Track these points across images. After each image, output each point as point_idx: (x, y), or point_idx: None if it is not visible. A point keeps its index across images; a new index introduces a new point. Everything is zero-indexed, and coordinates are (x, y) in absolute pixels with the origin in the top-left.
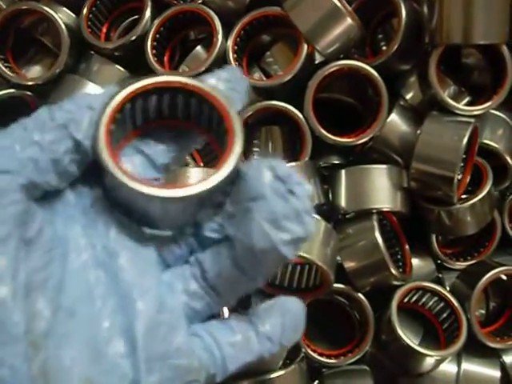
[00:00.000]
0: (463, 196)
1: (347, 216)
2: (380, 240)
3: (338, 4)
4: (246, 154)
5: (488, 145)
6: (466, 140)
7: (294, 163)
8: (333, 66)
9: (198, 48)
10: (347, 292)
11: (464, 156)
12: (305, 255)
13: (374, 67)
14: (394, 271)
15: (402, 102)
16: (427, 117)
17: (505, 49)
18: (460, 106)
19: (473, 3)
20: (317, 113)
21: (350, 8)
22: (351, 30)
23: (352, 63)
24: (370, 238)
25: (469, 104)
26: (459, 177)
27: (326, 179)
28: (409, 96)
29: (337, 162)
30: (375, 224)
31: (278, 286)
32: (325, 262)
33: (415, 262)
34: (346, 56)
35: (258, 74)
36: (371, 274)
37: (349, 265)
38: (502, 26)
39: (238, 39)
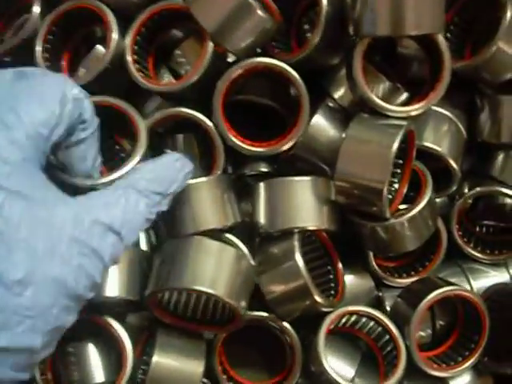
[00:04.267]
0: (402, 206)
1: (267, 236)
2: (301, 263)
3: None
4: None
5: (429, 148)
6: (395, 146)
7: (204, 178)
8: (244, 65)
9: (98, 47)
10: (271, 320)
11: (401, 161)
12: (207, 290)
13: (297, 62)
14: (318, 298)
15: (329, 103)
16: (353, 120)
17: (441, 39)
18: (390, 106)
19: None
20: (234, 118)
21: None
22: (264, 23)
23: (264, 61)
24: (290, 261)
25: (407, 101)
26: (396, 186)
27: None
28: (338, 95)
29: (265, 169)
30: (296, 245)
31: (185, 317)
32: (231, 295)
33: (352, 280)
34: (264, 52)
35: (167, 76)
36: (293, 302)
37: (268, 292)
38: (437, 14)
39: (139, 37)
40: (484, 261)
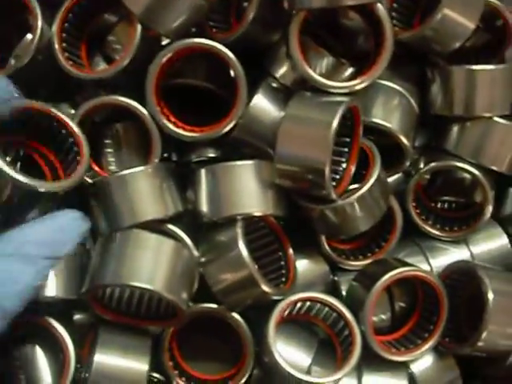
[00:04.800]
0: (354, 186)
1: (211, 224)
2: (245, 252)
3: None
4: (98, 156)
5: (378, 124)
6: (335, 123)
7: (140, 168)
8: (174, 48)
9: (28, 36)
10: (220, 311)
11: (348, 140)
12: (144, 285)
13: (235, 40)
14: (264, 288)
15: (271, 82)
16: (292, 98)
17: (381, 8)
18: (330, 82)
19: None
20: (175, 102)
21: None
22: (194, 1)
23: (194, 41)
24: (234, 249)
25: (353, 76)
26: (344, 165)
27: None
28: (279, 74)
29: (211, 155)
30: (239, 233)
31: (128, 314)
32: (170, 289)
33: (306, 265)
34: (201, 31)
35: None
36: (241, 292)
37: (214, 283)
38: None
39: (67, 24)
40: (443, 238)
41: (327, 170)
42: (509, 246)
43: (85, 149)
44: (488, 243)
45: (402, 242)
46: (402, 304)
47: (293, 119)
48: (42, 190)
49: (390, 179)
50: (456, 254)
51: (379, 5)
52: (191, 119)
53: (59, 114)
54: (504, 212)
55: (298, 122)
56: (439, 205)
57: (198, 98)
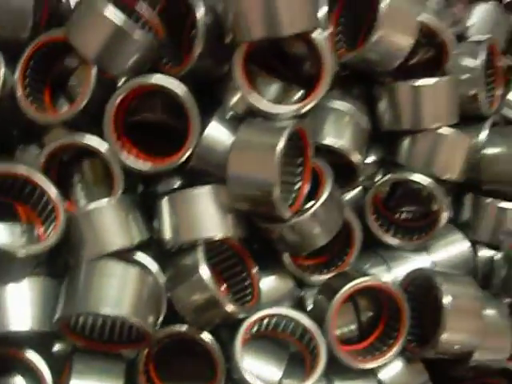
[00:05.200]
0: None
1: (175, 250)
2: (206, 276)
3: (120, 23)
4: (67, 192)
5: (327, 145)
6: (280, 146)
7: (103, 201)
8: (126, 88)
9: None
10: (189, 332)
11: (300, 160)
12: (111, 312)
13: (186, 74)
14: (228, 308)
15: (224, 111)
16: (241, 125)
17: (317, 36)
18: (274, 108)
19: None
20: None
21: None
22: (143, 45)
23: (144, 80)
24: (196, 273)
25: (303, 98)
26: (298, 185)
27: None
28: (231, 103)
29: (177, 185)
30: (200, 257)
31: (101, 340)
32: (136, 314)
33: (272, 282)
34: (155, 68)
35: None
36: (207, 313)
37: (181, 306)
38: (309, 11)
39: (30, 71)
40: (404, 247)
41: (276, 191)
42: (469, 250)
43: (61, 214)
44: (448, 249)
45: (366, 253)
46: (369, 313)
47: (241, 145)
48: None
49: (352, 194)
50: (417, 262)
51: (316, 33)
52: (155, 149)
53: (37, 177)
54: (463, 218)
55: (247, 147)
56: (399, 215)
57: (160, 130)
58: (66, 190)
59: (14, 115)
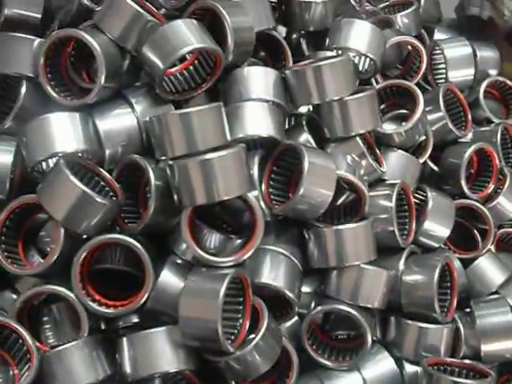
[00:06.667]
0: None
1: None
2: None
3: (84, 189)
4: (37, 332)
5: (265, 284)
6: (222, 293)
7: (72, 343)
8: (90, 244)
9: None
10: None
11: (241, 299)
12: None
13: (143, 229)
14: None
15: (175, 258)
16: (190, 273)
17: (250, 198)
18: (216, 259)
19: None
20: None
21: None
22: (106, 207)
23: (105, 237)
24: None
25: (241, 246)
26: (240, 321)
27: None
28: (180, 251)
29: (135, 321)
30: None
31: None
32: None
33: None
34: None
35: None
36: None
37: None
38: (243, 177)
39: (5, 229)
40: (338, 367)
41: (220, 331)
42: (395, 367)
43: (35, 356)
44: (378, 367)
45: (304, 374)
46: None
47: (190, 290)
48: None
49: (288, 324)
50: (349, 380)
51: (249, 195)
52: (116, 292)
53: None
54: (389, 337)
55: (194, 292)
56: (333, 338)
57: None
58: (35, 330)
59: None
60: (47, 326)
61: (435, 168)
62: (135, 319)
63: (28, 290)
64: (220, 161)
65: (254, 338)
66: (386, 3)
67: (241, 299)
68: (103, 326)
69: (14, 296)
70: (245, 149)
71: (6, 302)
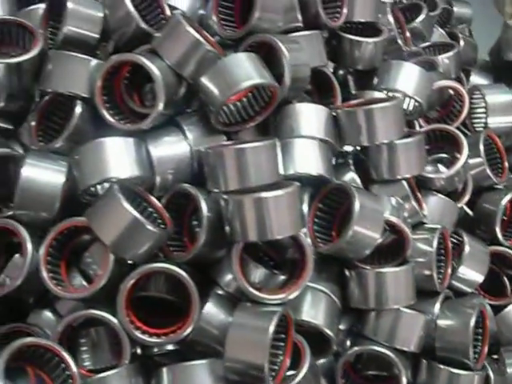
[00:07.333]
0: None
1: None
2: None
3: (136, 216)
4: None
5: (305, 321)
6: (271, 330)
7: (115, 370)
8: (139, 272)
9: (17, 256)
10: None
11: (283, 336)
12: None
13: (190, 259)
14: None
15: (218, 290)
16: (236, 308)
17: (302, 238)
18: (263, 295)
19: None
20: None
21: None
22: (155, 235)
23: (155, 266)
24: None
25: (284, 284)
26: (281, 358)
27: None
28: (224, 283)
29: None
30: None
31: None
32: None
33: None
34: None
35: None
36: None
37: None
38: (295, 218)
39: (51, 249)
40: None
41: (266, 368)
42: None
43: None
44: None
45: None
46: None
47: (237, 327)
48: None
49: (323, 360)
50: None
51: (300, 235)
52: (158, 320)
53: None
54: (420, 380)
55: (242, 329)
56: (364, 377)
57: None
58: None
59: (33, 285)
60: (84, 349)
61: (470, 212)
62: (171, 346)
63: (70, 312)
64: (276, 200)
65: (294, 375)
66: (427, 44)
67: (283, 336)
68: (139, 351)
69: (52, 316)
70: (299, 188)
71: (44, 321)
